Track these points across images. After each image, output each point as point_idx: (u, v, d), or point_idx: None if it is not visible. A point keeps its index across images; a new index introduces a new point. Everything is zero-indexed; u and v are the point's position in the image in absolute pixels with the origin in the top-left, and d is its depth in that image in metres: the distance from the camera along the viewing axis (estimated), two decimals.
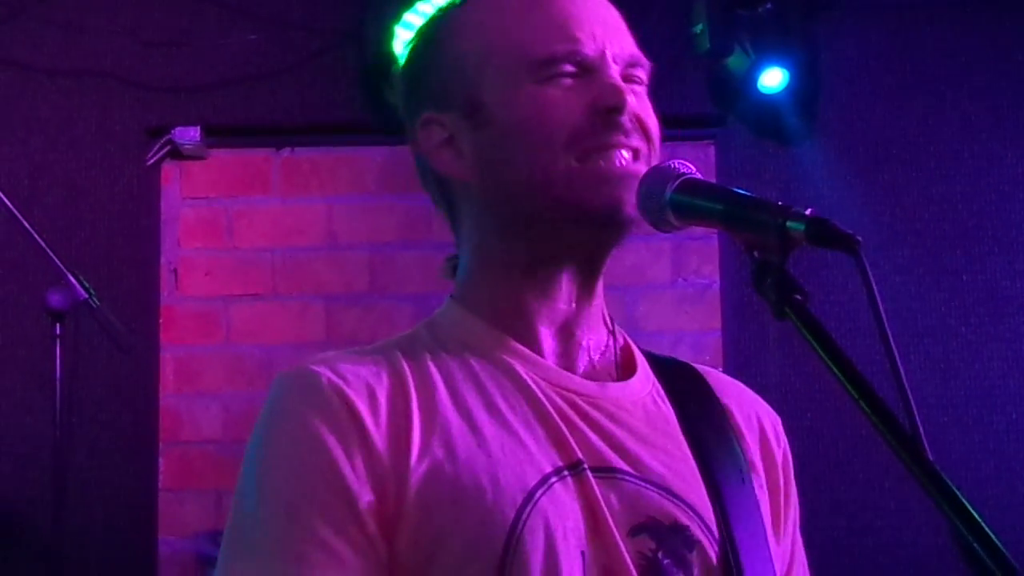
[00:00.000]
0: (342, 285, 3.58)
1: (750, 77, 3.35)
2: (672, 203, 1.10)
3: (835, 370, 0.95)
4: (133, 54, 3.51)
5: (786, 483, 1.27)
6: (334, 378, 1.13)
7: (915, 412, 0.91)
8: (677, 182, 1.10)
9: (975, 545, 0.85)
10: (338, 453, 1.09)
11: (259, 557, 1.09)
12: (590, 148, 1.16)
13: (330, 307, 3.57)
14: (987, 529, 0.85)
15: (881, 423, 0.91)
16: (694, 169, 1.12)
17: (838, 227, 0.98)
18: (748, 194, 1.06)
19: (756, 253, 1.03)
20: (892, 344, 0.94)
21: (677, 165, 1.12)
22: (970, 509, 0.86)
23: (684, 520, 1.14)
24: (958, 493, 0.87)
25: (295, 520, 1.08)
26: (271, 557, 1.08)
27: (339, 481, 1.08)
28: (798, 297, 0.99)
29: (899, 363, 0.94)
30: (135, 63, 3.51)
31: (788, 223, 1.00)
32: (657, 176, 1.12)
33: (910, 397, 0.92)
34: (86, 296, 2.84)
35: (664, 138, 1.21)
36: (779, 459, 1.27)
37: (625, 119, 1.16)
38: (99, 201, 3.48)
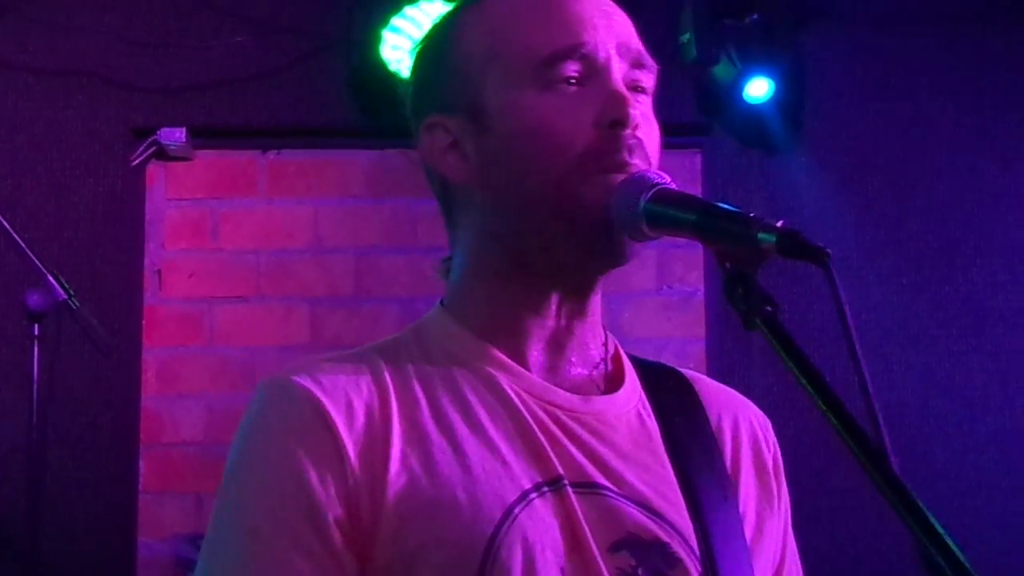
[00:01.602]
0: (327, 288, 3.57)
1: (736, 87, 3.37)
2: (646, 213, 1.10)
3: (803, 381, 0.95)
4: (119, 54, 3.50)
5: (778, 486, 1.27)
6: (311, 388, 1.13)
7: (881, 424, 0.92)
8: (651, 192, 1.10)
9: (937, 557, 0.85)
10: (309, 472, 1.09)
11: (228, 573, 1.10)
12: (603, 168, 1.14)
13: (315, 310, 3.56)
14: (949, 541, 0.85)
15: (847, 434, 0.92)
16: (669, 180, 1.12)
17: (808, 239, 0.98)
18: (721, 205, 1.06)
19: (728, 264, 1.03)
20: (860, 355, 0.95)
21: (652, 175, 1.12)
22: (932, 521, 0.87)
23: (664, 537, 1.13)
24: (921, 505, 0.87)
25: (261, 540, 1.09)
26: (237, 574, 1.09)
27: (309, 500, 1.09)
28: (768, 308, 0.99)
29: (866, 374, 0.94)
30: (121, 63, 3.50)
31: (759, 235, 1.00)
32: (632, 186, 1.12)
33: (876, 409, 0.92)
34: (65, 297, 2.82)
35: None
36: (770, 464, 1.27)
37: (628, 133, 1.15)
38: (83, 201, 3.46)
